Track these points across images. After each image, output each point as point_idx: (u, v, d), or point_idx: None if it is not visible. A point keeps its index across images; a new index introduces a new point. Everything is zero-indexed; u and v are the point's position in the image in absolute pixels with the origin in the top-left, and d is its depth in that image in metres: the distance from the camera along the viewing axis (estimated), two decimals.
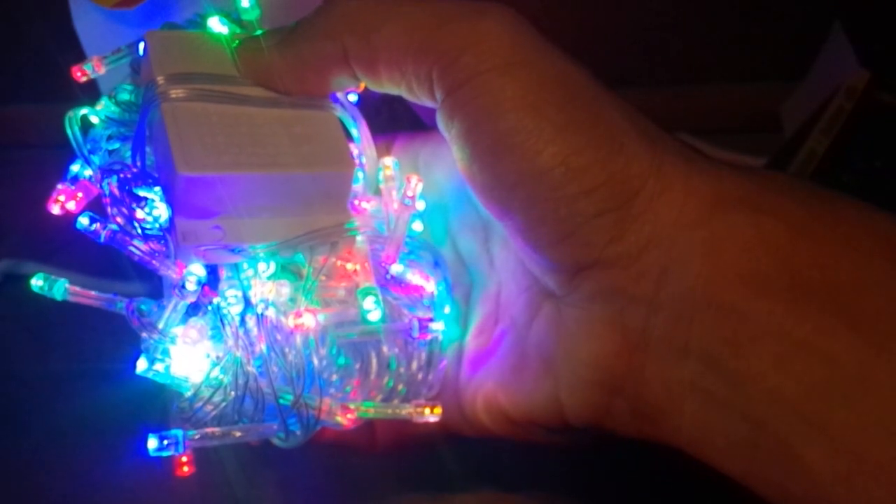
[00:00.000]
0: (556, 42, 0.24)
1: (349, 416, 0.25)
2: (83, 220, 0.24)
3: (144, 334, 0.24)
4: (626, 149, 0.22)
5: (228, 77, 0.26)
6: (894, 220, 0.22)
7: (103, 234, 0.24)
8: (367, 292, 0.25)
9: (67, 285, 0.24)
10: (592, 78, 0.24)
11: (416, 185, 0.28)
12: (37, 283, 0.24)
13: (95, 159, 0.26)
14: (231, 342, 0.24)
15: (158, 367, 0.24)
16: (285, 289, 0.25)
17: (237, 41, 0.27)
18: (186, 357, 0.24)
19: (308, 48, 0.25)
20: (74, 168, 0.27)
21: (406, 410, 0.26)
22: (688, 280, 0.22)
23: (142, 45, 0.27)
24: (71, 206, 0.26)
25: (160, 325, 0.24)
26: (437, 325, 0.27)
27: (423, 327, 0.27)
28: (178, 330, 0.24)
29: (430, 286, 0.28)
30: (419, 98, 0.25)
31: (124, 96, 0.27)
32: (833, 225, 0.22)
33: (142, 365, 0.24)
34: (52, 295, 0.24)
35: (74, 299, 0.25)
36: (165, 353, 0.24)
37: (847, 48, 0.54)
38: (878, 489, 0.20)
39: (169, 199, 0.24)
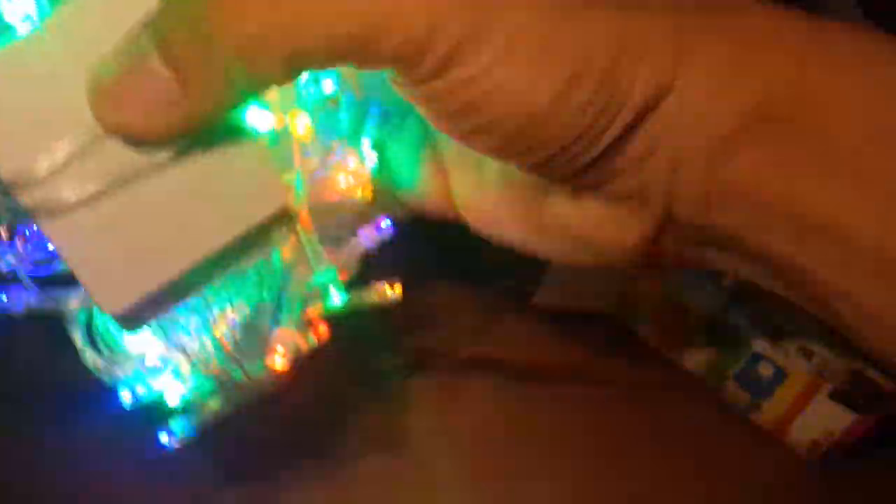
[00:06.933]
0: None
1: (321, 328, 0.26)
2: None
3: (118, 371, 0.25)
4: (594, 70, 0.21)
5: (93, 132, 0.20)
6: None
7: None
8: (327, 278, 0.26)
9: None
10: None
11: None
12: None
13: None
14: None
15: (141, 390, 0.24)
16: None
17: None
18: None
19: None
20: None
21: (369, 297, 0.26)
22: (695, 174, 0.22)
23: None
24: None
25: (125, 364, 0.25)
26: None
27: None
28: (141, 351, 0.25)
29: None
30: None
31: None
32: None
33: (127, 398, 0.24)
34: None
35: None
36: (139, 376, 0.25)
37: None
38: None
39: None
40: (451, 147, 0.27)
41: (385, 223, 0.27)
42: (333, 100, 0.26)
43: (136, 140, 0.20)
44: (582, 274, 0.45)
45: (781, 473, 0.42)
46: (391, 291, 0.27)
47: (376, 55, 0.20)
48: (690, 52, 0.21)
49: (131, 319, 0.22)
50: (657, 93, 0.21)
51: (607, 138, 0.22)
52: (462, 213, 0.28)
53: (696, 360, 0.45)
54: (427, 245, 0.37)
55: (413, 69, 0.21)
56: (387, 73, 0.22)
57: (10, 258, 0.23)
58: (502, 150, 0.22)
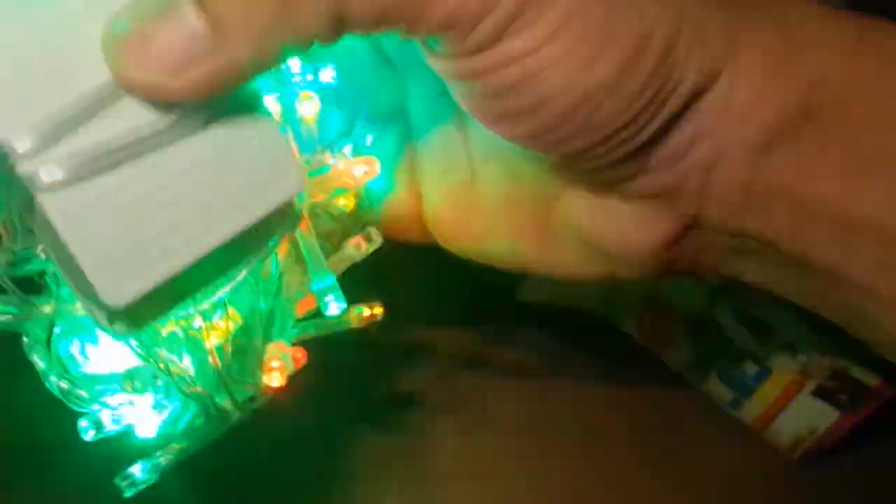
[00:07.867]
0: None
1: (299, 355, 0.24)
2: None
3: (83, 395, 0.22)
4: (652, 52, 0.20)
5: (100, 96, 0.17)
6: None
7: None
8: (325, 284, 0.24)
9: None
10: None
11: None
12: None
13: None
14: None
15: (106, 423, 0.22)
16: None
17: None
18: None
19: None
20: None
21: (350, 318, 0.25)
22: (736, 169, 0.21)
23: None
24: None
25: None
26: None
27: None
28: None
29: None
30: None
31: None
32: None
33: (90, 432, 0.22)
34: None
35: None
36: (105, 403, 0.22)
37: None
38: None
39: (86, 295, 0.19)
40: (437, 158, 0.26)
41: (376, 233, 0.25)
42: (307, 93, 0.23)
43: (158, 98, 0.18)
44: None
45: (763, 471, 0.42)
46: (371, 313, 0.25)
47: (430, 18, 0.19)
48: (739, 42, 0.20)
49: (129, 319, 0.19)
50: (707, 80, 0.20)
51: (656, 123, 0.21)
52: (439, 228, 0.26)
53: (679, 356, 0.44)
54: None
55: (464, 38, 0.19)
56: (424, 47, 0.20)
57: None
58: (544, 135, 0.21)
